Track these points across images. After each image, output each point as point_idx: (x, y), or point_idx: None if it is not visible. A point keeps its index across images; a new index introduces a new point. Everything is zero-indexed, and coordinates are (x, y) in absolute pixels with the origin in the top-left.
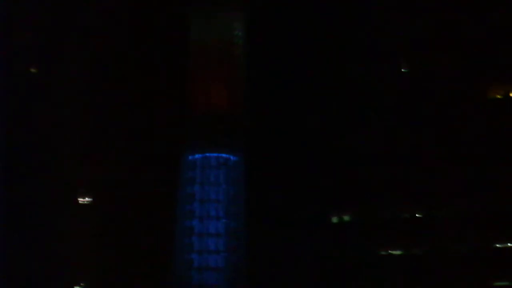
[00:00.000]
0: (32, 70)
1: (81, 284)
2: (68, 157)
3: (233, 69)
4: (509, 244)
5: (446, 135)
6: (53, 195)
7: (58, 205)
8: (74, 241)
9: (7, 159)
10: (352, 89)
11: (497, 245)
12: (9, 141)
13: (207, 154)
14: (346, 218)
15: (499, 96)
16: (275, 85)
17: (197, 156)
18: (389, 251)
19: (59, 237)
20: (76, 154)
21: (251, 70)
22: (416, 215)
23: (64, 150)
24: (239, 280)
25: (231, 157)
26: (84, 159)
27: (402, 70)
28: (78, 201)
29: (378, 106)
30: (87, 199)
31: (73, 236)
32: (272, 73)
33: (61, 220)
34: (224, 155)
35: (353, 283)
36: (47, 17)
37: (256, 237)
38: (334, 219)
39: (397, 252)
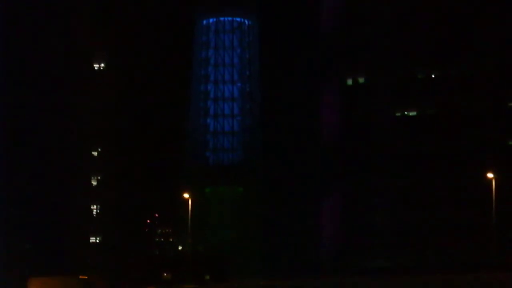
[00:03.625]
0: None
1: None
2: None
3: None
4: None
5: None
6: None
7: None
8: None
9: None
10: None
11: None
12: None
13: (221, 18)
14: (360, 80)
15: None
16: None
17: (211, 20)
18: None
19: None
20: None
21: None
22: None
23: None
24: (254, 143)
25: (246, 21)
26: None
27: None
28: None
29: None
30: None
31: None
32: None
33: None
34: (238, 18)
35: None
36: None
37: (271, 100)
38: (348, 82)
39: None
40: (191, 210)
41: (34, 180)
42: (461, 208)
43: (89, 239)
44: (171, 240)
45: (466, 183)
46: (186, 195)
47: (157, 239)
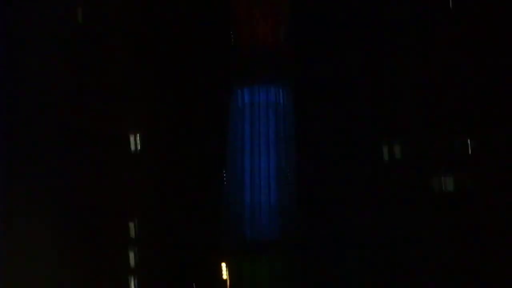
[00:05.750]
0: None
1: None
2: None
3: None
4: None
5: None
6: None
7: None
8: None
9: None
10: None
11: None
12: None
13: (256, 99)
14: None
15: None
16: (328, 18)
17: (246, 99)
18: None
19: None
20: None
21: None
22: None
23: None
24: (290, 222)
25: (281, 101)
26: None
27: None
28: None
29: None
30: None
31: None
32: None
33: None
34: (273, 98)
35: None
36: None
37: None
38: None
39: None
40: (229, 287)
41: None
42: None
43: None
44: None
45: None
46: (223, 272)
47: None
